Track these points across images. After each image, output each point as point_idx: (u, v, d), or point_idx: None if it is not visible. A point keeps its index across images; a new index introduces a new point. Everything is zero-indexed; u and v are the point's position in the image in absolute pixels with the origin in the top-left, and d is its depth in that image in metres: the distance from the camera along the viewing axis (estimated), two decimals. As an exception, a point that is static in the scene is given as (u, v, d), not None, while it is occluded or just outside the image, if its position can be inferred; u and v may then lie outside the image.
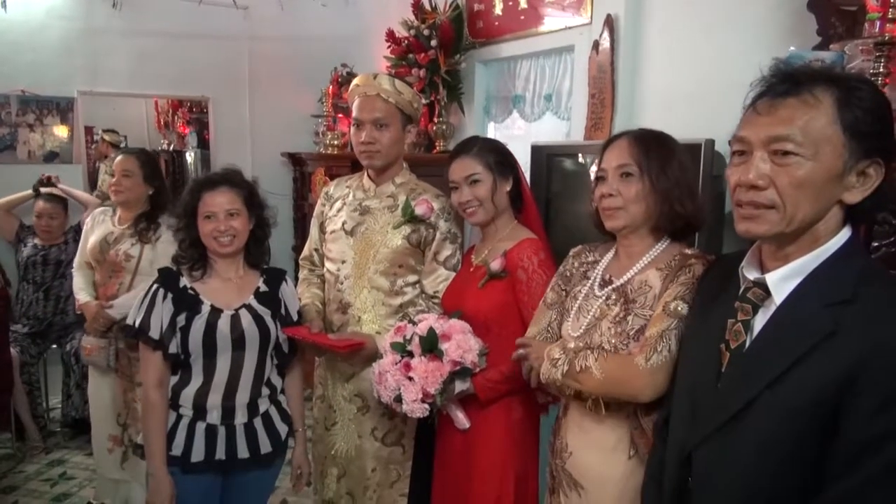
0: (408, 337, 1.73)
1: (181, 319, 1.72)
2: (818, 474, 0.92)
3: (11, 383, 3.21)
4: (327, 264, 2.07)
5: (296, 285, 2.14)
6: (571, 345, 1.40)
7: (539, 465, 1.84)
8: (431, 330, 1.69)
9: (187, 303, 1.74)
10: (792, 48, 1.89)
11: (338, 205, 2.07)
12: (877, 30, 1.62)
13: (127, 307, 2.54)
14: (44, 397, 3.67)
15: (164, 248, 2.56)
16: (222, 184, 1.79)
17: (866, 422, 0.87)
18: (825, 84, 0.96)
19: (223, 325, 1.73)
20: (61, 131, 4.02)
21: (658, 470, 1.20)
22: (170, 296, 1.73)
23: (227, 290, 1.81)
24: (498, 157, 1.84)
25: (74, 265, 2.80)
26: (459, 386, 1.71)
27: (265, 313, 1.81)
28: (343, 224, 2.01)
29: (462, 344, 1.67)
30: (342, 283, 1.99)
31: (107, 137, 4.98)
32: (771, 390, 0.95)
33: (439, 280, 1.94)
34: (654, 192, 1.38)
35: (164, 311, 1.72)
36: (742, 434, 0.99)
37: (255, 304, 1.81)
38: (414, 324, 1.76)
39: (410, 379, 1.67)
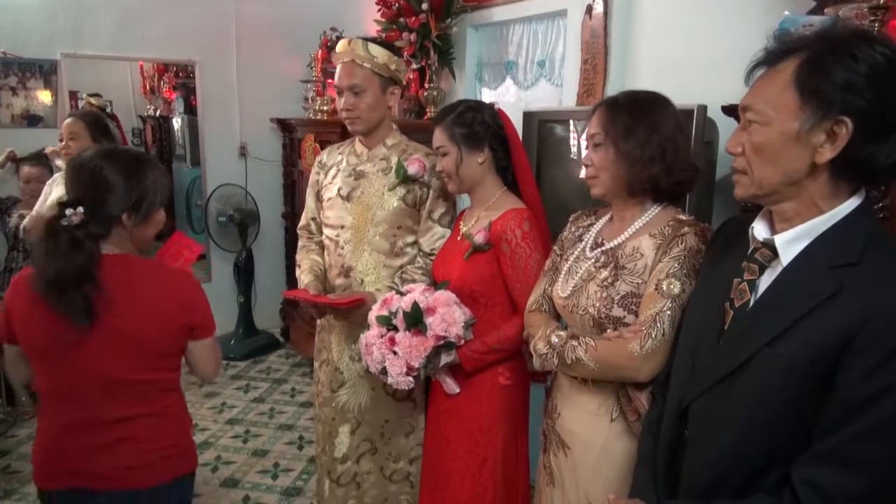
0: (393, 311, 1.71)
1: None
2: (812, 431, 0.93)
3: (0, 349, 3.21)
4: (326, 231, 2.08)
5: (294, 254, 2.15)
6: (554, 339, 1.39)
7: (529, 426, 1.87)
8: (415, 305, 1.67)
9: None
10: (786, 12, 1.87)
11: (332, 172, 2.08)
12: (871, -7, 1.60)
13: None
14: (34, 363, 3.69)
15: None
16: None
17: (861, 380, 0.88)
18: (805, 48, 0.96)
19: None
20: (44, 96, 3.95)
21: (655, 423, 1.21)
22: None
23: None
24: (466, 129, 1.76)
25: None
26: (444, 359, 1.71)
27: None
28: (339, 190, 2.02)
29: (446, 317, 1.66)
30: (343, 248, 2.01)
31: (92, 101, 4.88)
32: (770, 347, 0.96)
33: (435, 238, 1.97)
34: (619, 157, 1.37)
35: None
36: (739, 389, 1.00)
37: None
38: (402, 294, 1.75)
39: (395, 353, 1.67)
